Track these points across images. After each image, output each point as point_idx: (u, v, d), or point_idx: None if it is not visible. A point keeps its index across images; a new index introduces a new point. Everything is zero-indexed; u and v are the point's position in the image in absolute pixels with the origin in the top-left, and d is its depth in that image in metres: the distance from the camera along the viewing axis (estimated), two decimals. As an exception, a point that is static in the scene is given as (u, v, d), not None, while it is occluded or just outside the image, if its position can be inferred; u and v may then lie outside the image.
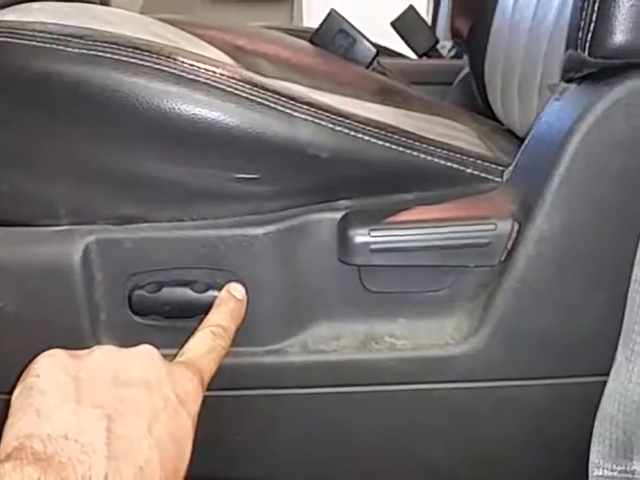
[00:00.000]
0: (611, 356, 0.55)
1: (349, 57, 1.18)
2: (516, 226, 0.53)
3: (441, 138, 0.63)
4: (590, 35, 0.49)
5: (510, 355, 0.56)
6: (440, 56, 1.49)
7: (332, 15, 1.20)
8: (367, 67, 1.19)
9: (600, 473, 0.54)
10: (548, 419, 0.59)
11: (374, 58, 1.20)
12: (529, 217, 0.52)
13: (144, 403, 0.38)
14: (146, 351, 0.42)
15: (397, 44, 1.46)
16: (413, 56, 1.45)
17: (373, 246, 0.53)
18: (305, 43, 1.18)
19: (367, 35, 1.54)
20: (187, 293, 0.55)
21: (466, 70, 1.17)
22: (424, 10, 1.38)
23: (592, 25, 0.49)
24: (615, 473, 0.54)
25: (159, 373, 0.41)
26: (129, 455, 0.35)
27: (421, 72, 1.35)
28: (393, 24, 1.42)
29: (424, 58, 1.44)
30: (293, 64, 1.09)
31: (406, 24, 1.47)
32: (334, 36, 1.19)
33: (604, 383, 0.56)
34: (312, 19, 2.98)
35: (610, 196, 0.51)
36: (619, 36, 0.49)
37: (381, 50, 1.47)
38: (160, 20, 0.92)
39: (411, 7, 1.44)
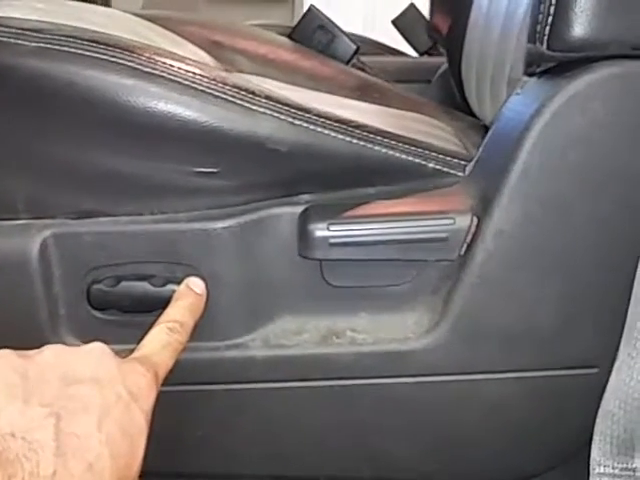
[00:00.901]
0: (571, 350, 0.55)
1: (328, 53, 1.18)
2: (475, 220, 0.53)
3: (414, 134, 0.63)
4: (548, 28, 0.49)
5: (470, 349, 0.56)
6: (441, 54, 1.48)
7: (311, 11, 1.20)
8: (347, 63, 1.19)
9: (601, 470, 0.54)
10: (509, 412, 0.59)
11: (354, 54, 1.20)
12: (487, 212, 0.52)
13: (94, 400, 0.38)
14: (97, 348, 0.42)
15: (398, 42, 1.45)
16: (414, 54, 1.45)
17: (332, 240, 0.53)
18: (284, 39, 1.18)
19: (368, 33, 1.54)
20: (145, 287, 0.55)
21: (445, 66, 1.16)
22: (425, 8, 1.38)
23: (550, 18, 0.49)
24: (616, 470, 0.54)
25: (110, 370, 0.40)
26: (78, 452, 0.35)
27: (402, 69, 1.35)
28: (394, 22, 1.41)
29: (425, 56, 1.44)
30: (271, 60, 1.08)
31: (407, 22, 1.46)
32: (313, 32, 1.18)
33: (564, 376, 0.56)
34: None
35: (566, 190, 0.51)
36: (577, 30, 0.49)
37: (382, 48, 1.47)
38: (136, 15, 0.92)
39: (412, 5, 1.44)
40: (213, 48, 1.05)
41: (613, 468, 0.54)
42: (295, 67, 1.10)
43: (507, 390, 0.58)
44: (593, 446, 0.54)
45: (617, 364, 0.53)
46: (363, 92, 1.08)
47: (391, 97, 1.08)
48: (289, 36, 1.19)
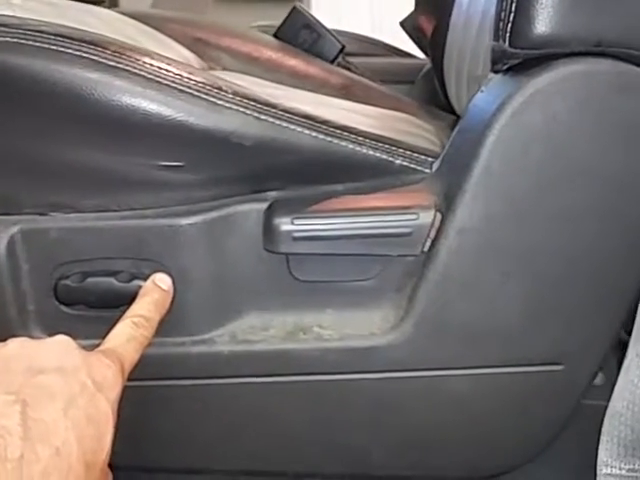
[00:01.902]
0: (532, 347, 0.55)
1: (314, 52, 1.18)
2: (439, 217, 0.53)
3: (389, 132, 0.63)
4: (510, 26, 0.50)
5: (435, 345, 0.56)
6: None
7: (297, 10, 1.20)
8: (332, 62, 1.19)
9: (608, 471, 0.54)
10: (475, 408, 0.59)
11: (339, 53, 1.20)
12: (451, 208, 0.52)
13: (59, 388, 0.39)
14: (62, 340, 0.43)
15: (406, 44, 1.45)
16: (422, 56, 1.44)
17: (296, 234, 0.53)
18: (270, 38, 1.18)
19: (376, 35, 1.53)
20: (112, 283, 0.55)
21: (428, 67, 1.16)
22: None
23: (512, 15, 0.49)
24: (623, 472, 0.54)
25: (75, 360, 0.41)
26: (45, 436, 0.36)
27: (388, 70, 1.35)
28: (402, 24, 1.41)
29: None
30: (255, 58, 1.09)
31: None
32: (299, 31, 1.18)
33: (529, 373, 0.56)
34: (320, 18, 2.98)
35: (527, 187, 0.51)
36: (538, 27, 0.49)
37: (389, 50, 1.46)
38: (121, 13, 0.92)
39: (420, 7, 1.43)
40: (197, 46, 1.05)
41: (620, 469, 0.54)
42: (279, 65, 1.10)
43: (472, 386, 0.58)
44: (600, 447, 0.54)
45: (625, 364, 0.53)
46: (347, 91, 1.09)
47: (374, 96, 1.08)
48: (275, 35, 1.19)
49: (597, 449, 0.55)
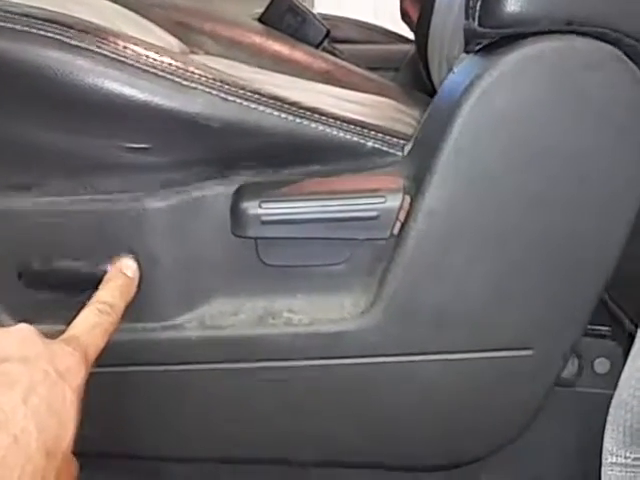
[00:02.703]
0: (502, 331, 0.55)
1: (299, 37, 1.16)
2: (408, 199, 0.52)
3: (371, 117, 0.62)
4: (479, 4, 0.49)
5: (405, 330, 0.55)
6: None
7: (281, -6, 1.19)
8: (317, 47, 1.18)
9: (614, 460, 0.54)
10: (446, 394, 0.58)
11: (324, 38, 1.19)
12: (420, 191, 0.52)
13: (19, 377, 0.38)
14: (24, 329, 0.42)
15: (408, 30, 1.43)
16: None
17: (264, 218, 0.52)
18: (255, 23, 1.17)
19: (379, 21, 1.51)
20: (78, 267, 0.54)
21: (412, 52, 1.15)
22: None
23: (481, -6, 0.48)
24: (629, 460, 0.53)
25: (37, 349, 0.41)
26: (3, 424, 0.35)
27: (375, 56, 1.33)
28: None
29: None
30: (238, 42, 1.08)
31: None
32: (283, 15, 1.17)
33: (499, 358, 0.56)
34: (322, 5, 2.96)
35: (495, 168, 0.51)
36: (508, 5, 0.48)
37: (391, 37, 1.44)
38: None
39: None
40: (180, 30, 1.04)
41: (626, 458, 0.53)
42: (262, 50, 1.09)
43: (444, 371, 0.57)
44: (606, 435, 0.54)
45: (633, 352, 0.52)
46: (329, 75, 1.08)
47: (357, 81, 1.07)
48: (259, 19, 1.17)
49: (602, 438, 0.55)
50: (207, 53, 1.08)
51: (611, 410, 0.53)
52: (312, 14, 1.18)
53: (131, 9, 0.95)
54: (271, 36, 1.11)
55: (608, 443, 0.53)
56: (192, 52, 1.03)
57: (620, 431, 0.53)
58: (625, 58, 0.49)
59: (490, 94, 0.49)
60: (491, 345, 0.55)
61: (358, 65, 1.15)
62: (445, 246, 0.53)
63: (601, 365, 0.63)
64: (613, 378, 0.58)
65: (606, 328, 0.64)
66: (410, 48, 1.33)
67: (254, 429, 0.61)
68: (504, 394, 0.58)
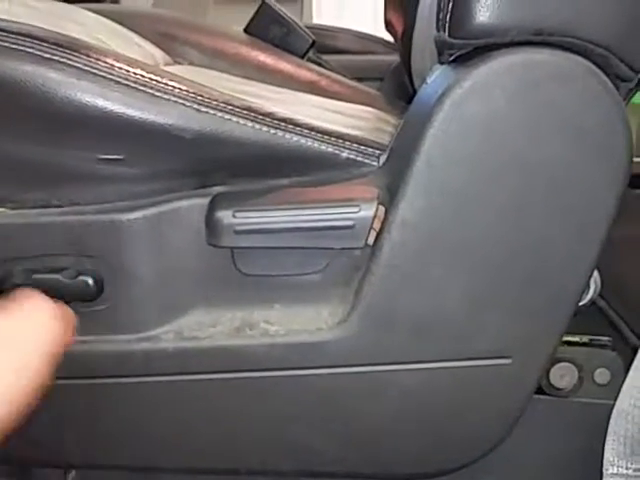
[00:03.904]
0: (478, 340, 0.55)
1: (284, 47, 1.17)
2: (382, 209, 0.52)
3: (350, 128, 0.62)
4: (449, 15, 0.49)
5: (382, 340, 0.55)
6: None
7: (266, 4, 1.19)
8: (302, 57, 1.18)
9: (614, 471, 0.54)
10: (424, 404, 0.58)
11: (309, 48, 1.19)
12: (393, 202, 0.52)
13: None
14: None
15: None
16: None
17: (238, 227, 0.53)
18: (240, 33, 1.17)
19: (379, 32, 1.51)
20: (58, 280, 0.54)
21: (396, 62, 1.16)
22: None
23: (450, 5, 0.49)
24: (630, 471, 0.53)
25: None
26: None
27: (361, 67, 1.34)
28: None
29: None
30: (222, 53, 1.08)
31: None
32: (268, 26, 1.17)
33: (477, 367, 0.56)
34: (322, 16, 2.97)
35: (467, 180, 0.51)
36: (477, 16, 0.48)
37: (391, 48, 1.45)
38: (87, 9, 0.91)
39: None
40: (164, 41, 1.05)
41: (627, 469, 0.53)
42: (247, 60, 1.10)
43: (421, 381, 0.57)
44: (606, 446, 0.53)
45: (635, 363, 0.52)
46: (314, 85, 1.08)
47: (342, 91, 1.07)
48: (245, 30, 1.18)
49: (602, 448, 0.55)
50: (191, 64, 1.08)
51: (612, 420, 0.53)
52: (297, 24, 1.19)
53: (115, 21, 0.95)
54: (256, 46, 1.12)
55: (608, 454, 0.53)
56: (176, 62, 1.04)
57: (621, 442, 0.53)
58: (596, 69, 0.49)
59: (461, 105, 0.49)
60: (469, 354, 0.55)
61: (344, 75, 1.16)
62: (420, 256, 0.53)
63: (601, 375, 0.63)
64: (614, 388, 0.59)
65: (606, 338, 0.64)
66: (394, 58, 1.34)
67: (231, 440, 0.60)
68: (483, 403, 0.58)
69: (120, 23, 0.96)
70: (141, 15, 1.11)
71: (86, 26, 0.80)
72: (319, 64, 1.21)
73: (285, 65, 1.10)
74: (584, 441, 0.64)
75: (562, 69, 0.49)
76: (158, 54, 0.97)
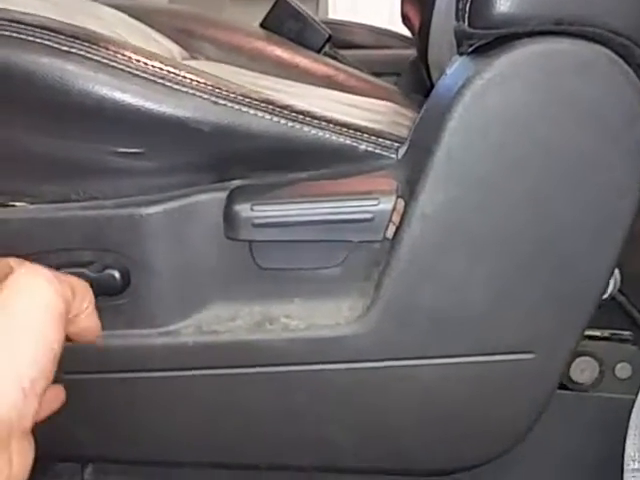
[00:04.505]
0: (501, 335, 0.54)
1: (300, 42, 1.17)
2: (401, 202, 0.52)
3: (368, 121, 0.62)
4: (469, 5, 0.48)
5: (402, 334, 0.55)
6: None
7: (282, 0, 1.19)
8: (318, 52, 1.18)
9: (636, 466, 0.53)
10: (445, 399, 0.58)
11: (325, 43, 1.18)
12: (413, 195, 0.51)
13: None
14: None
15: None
16: None
17: (256, 221, 0.52)
18: (256, 28, 1.17)
19: (394, 27, 1.51)
20: (84, 274, 0.54)
21: (414, 56, 1.15)
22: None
23: (470, -6, 0.48)
24: None
25: None
26: None
27: (378, 61, 1.33)
28: None
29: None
30: (239, 48, 1.08)
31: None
32: (285, 21, 1.17)
33: (499, 362, 0.55)
34: (338, 11, 2.96)
35: (488, 171, 0.50)
36: (497, 5, 0.48)
37: (407, 42, 1.44)
38: (106, 5, 0.92)
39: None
40: (182, 37, 1.05)
41: None
42: (264, 55, 1.09)
43: (441, 376, 0.57)
44: (628, 441, 0.53)
45: None
46: (330, 80, 1.08)
47: (359, 85, 1.07)
48: (261, 25, 1.18)
49: (624, 444, 0.54)
50: (208, 59, 1.08)
51: (633, 415, 0.52)
52: (313, 19, 1.19)
53: (133, 16, 0.95)
54: (272, 41, 1.11)
55: (630, 449, 0.52)
56: (193, 58, 1.04)
57: None
58: (617, 58, 0.48)
59: (482, 96, 0.48)
60: (491, 349, 0.55)
61: (361, 70, 1.15)
62: (440, 249, 0.52)
63: (622, 370, 0.63)
64: (635, 383, 0.58)
65: (627, 333, 0.63)
66: (411, 53, 1.33)
67: (251, 435, 0.60)
68: (505, 398, 0.58)
69: (137, 19, 0.96)
70: (158, 11, 1.11)
71: (104, 20, 0.80)
72: (335, 58, 1.20)
73: (301, 60, 1.10)
74: (604, 436, 0.63)
75: (583, 59, 0.48)
76: (175, 49, 0.97)
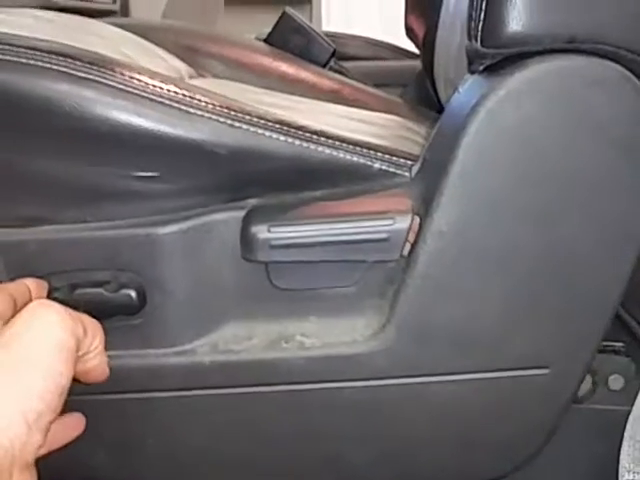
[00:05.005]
0: (516, 350, 0.55)
1: (305, 57, 1.17)
2: (417, 221, 0.52)
3: (378, 138, 0.62)
4: (481, 25, 0.49)
5: (418, 351, 0.55)
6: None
7: (286, 15, 1.20)
8: (324, 66, 1.19)
9: (630, 477, 0.53)
10: (461, 415, 0.58)
11: (330, 57, 1.19)
12: (428, 212, 0.52)
13: None
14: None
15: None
16: None
17: (273, 242, 0.53)
18: (261, 44, 1.18)
19: (388, 38, 1.52)
20: (101, 294, 0.55)
21: (420, 68, 1.16)
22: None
23: (482, 14, 0.48)
24: None
25: None
26: None
27: (381, 73, 1.34)
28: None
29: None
30: (245, 64, 1.09)
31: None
32: (289, 36, 1.18)
33: (514, 377, 0.55)
34: (331, 23, 2.98)
35: (502, 188, 0.51)
36: (509, 25, 0.48)
37: (400, 53, 1.45)
38: (112, 24, 0.92)
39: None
40: (187, 54, 1.05)
41: None
42: (270, 71, 1.10)
43: (457, 392, 0.57)
44: (622, 452, 0.53)
45: None
46: (338, 95, 1.08)
47: (365, 99, 1.08)
48: (265, 40, 1.18)
49: (618, 455, 0.54)
50: (215, 76, 1.09)
51: (628, 426, 0.53)
52: (318, 34, 1.19)
53: (137, 34, 0.96)
54: (278, 57, 1.12)
55: (624, 459, 0.52)
56: (200, 75, 1.04)
57: (637, 447, 0.52)
58: (629, 75, 0.48)
59: (496, 113, 0.49)
60: (506, 364, 0.55)
61: (365, 83, 1.16)
62: (456, 267, 0.52)
63: (615, 382, 0.63)
64: (628, 394, 0.58)
65: (620, 344, 0.64)
66: (414, 64, 1.34)
67: (269, 453, 0.60)
68: (521, 413, 0.58)
69: (141, 36, 0.97)
70: (161, 28, 1.12)
71: (109, 39, 0.80)
72: (341, 73, 1.21)
73: (307, 75, 1.11)
74: (598, 447, 0.64)
75: (596, 76, 0.48)
76: (182, 67, 0.98)
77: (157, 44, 0.99)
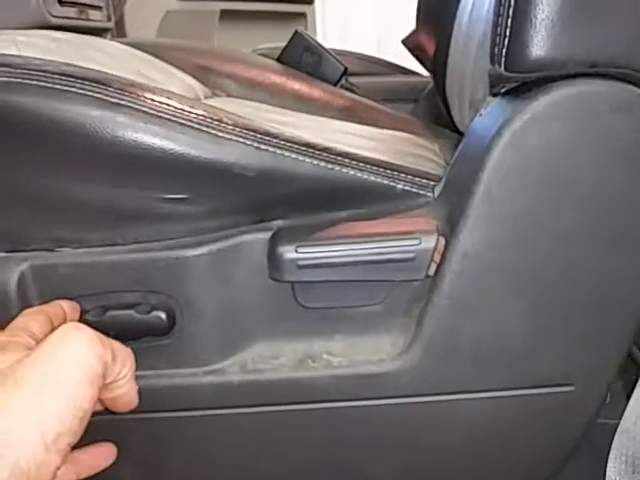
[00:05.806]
0: (541, 368, 0.55)
1: (317, 75, 1.19)
2: (442, 241, 0.53)
3: (390, 155, 0.63)
4: (505, 50, 0.50)
5: (444, 370, 0.56)
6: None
7: (298, 34, 1.21)
8: (335, 84, 1.20)
9: None
10: (486, 433, 0.59)
11: (342, 75, 1.21)
12: (454, 233, 0.53)
13: None
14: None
15: (412, 62, 1.46)
16: (426, 74, 1.45)
17: (300, 262, 0.53)
18: (273, 62, 1.19)
19: (382, 55, 1.54)
20: (132, 315, 0.56)
21: (431, 85, 1.17)
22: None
23: (506, 40, 0.49)
24: None
25: None
26: None
27: (391, 89, 1.35)
28: (404, 42, 1.42)
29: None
30: (259, 83, 1.10)
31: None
32: (301, 54, 1.19)
33: (540, 395, 0.56)
34: (327, 38, 3.01)
35: (528, 210, 0.51)
36: (533, 50, 0.49)
37: (394, 69, 1.47)
38: (125, 44, 0.93)
39: (423, 24, 1.43)
40: (201, 73, 1.07)
41: None
42: (283, 89, 1.11)
43: (483, 410, 0.58)
44: (608, 464, 0.54)
45: None
46: (350, 112, 1.10)
47: (377, 116, 1.09)
48: (278, 59, 1.20)
49: (605, 467, 0.55)
50: (229, 95, 1.10)
51: (615, 438, 0.53)
52: (329, 52, 1.21)
53: (151, 53, 0.97)
54: (290, 75, 1.14)
55: (611, 472, 0.53)
56: (214, 94, 1.06)
57: (623, 460, 0.53)
58: (653, 99, 0.49)
59: (520, 137, 0.50)
60: (531, 382, 0.56)
61: (375, 100, 1.17)
62: (481, 286, 0.53)
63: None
64: (614, 408, 0.59)
65: None
66: (424, 80, 1.35)
67: (296, 472, 0.61)
68: (545, 431, 0.59)
69: (154, 55, 0.98)
70: (174, 47, 1.13)
71: (125, 60, 0.82)
72: (352, 91, 1.23)
73: (320, 93, 1.12)
74: (583, 461, 0.64)
75: (619, 100, 0.49)
76: (197, 86, 0.99)
77: (170, 62, 1.00)
